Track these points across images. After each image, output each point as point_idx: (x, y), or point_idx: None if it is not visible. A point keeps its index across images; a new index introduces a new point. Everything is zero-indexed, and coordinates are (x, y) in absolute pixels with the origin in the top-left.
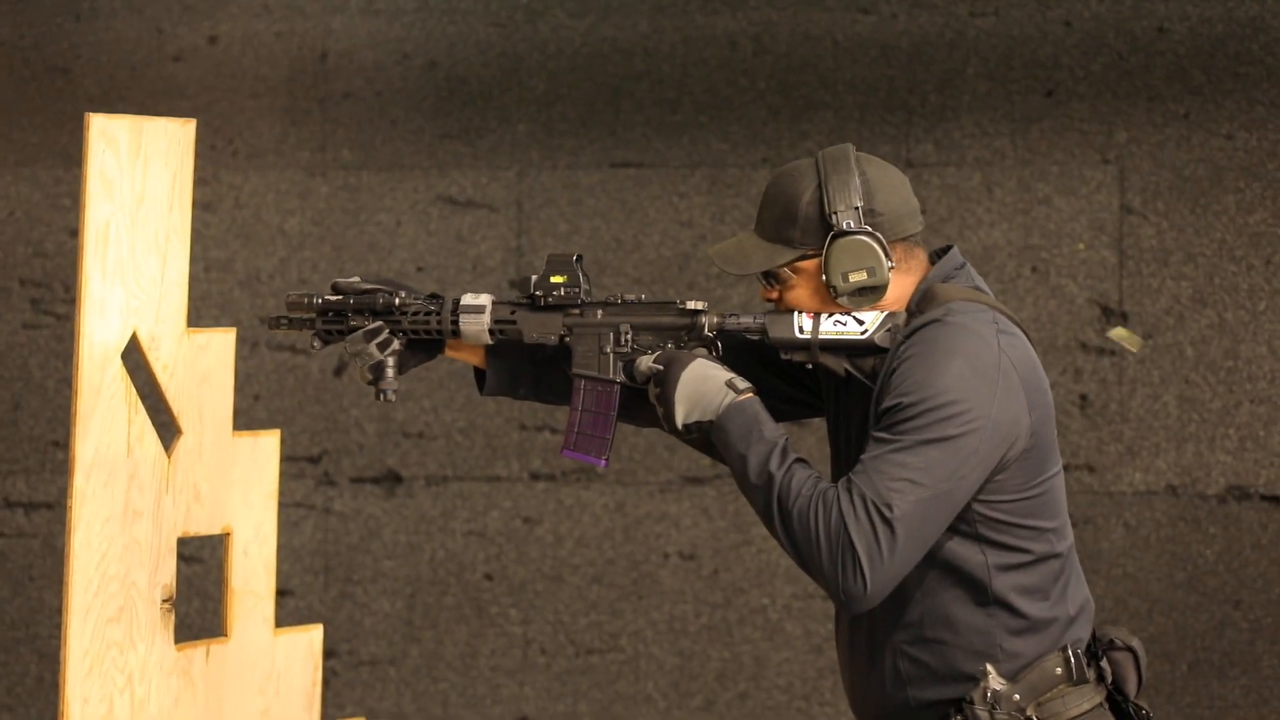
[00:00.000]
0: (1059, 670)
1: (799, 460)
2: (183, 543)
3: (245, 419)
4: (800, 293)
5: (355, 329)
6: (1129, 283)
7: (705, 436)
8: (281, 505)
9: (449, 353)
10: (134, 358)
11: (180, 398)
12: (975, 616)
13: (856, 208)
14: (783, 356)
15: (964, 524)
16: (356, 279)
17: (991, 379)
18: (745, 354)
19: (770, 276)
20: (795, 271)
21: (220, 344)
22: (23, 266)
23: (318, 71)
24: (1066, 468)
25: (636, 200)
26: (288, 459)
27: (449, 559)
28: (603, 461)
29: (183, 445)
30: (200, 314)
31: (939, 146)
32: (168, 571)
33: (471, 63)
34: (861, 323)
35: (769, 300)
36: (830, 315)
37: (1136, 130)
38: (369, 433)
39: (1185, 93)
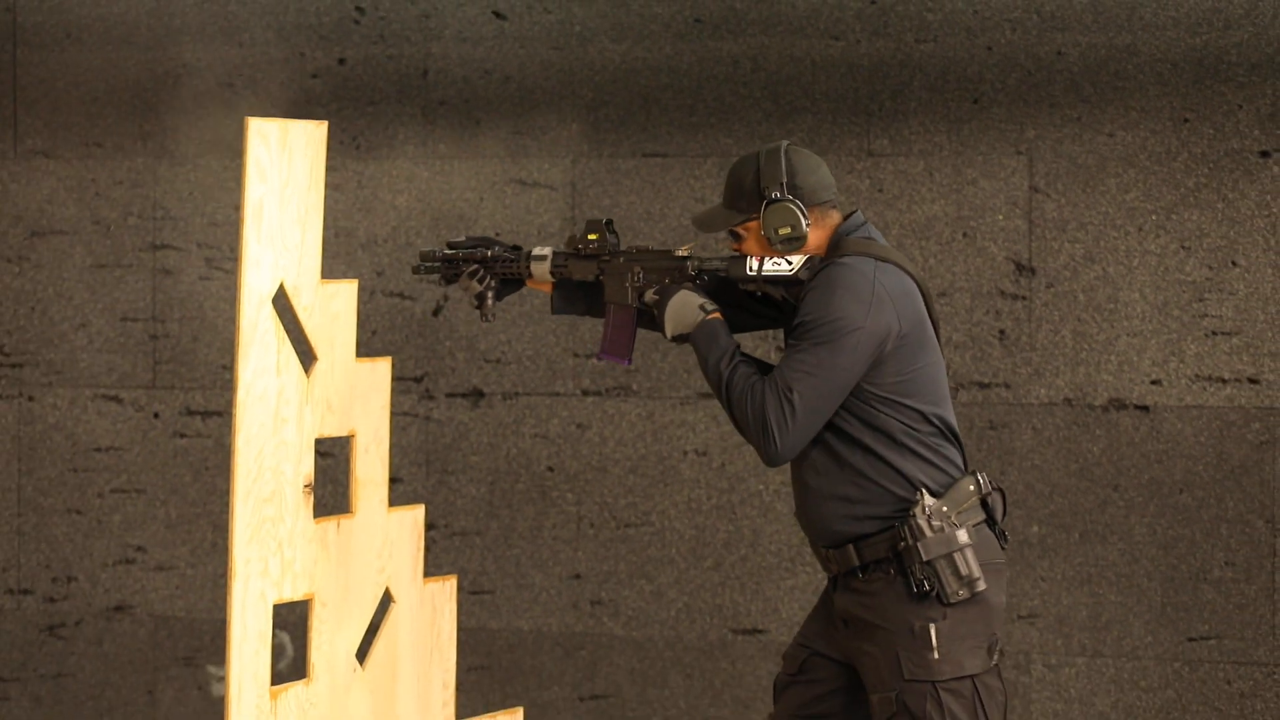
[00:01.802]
0: (972, 488)
1: (743, 360)
2: (319, 442)
3: (365, 349)
4: (751, 244)
5: (462, 273)
6: (1036, 245)
7: (686, 342)
8: (393, 414)
9: (530, 285)
10: (281, 302)
11: (316, 333)
12: (894, 457)
13: (782, 183)
14: (740, 287)
15: (864, 401)
16: (464, 238)
17: (866, 301)
18: (734, 289)
19: (733, 234)
20: (746, 230)
21: (346, 292)
22: (199, 233)
23: (420, 85)
24: (988, 385)
25: (663, 182)
26: (398, 379)
27: (520, 455)
28: (626, 361)
29: (318, 369)
30: (331, 269)
31: (893, 141)
32: (308, 464)
33: (537, 77)
34: (790, 263)
35: (735, 250)
36: (771, 259)
37: (1041, 129)
38: (459, 359)
39: (1078, 101)
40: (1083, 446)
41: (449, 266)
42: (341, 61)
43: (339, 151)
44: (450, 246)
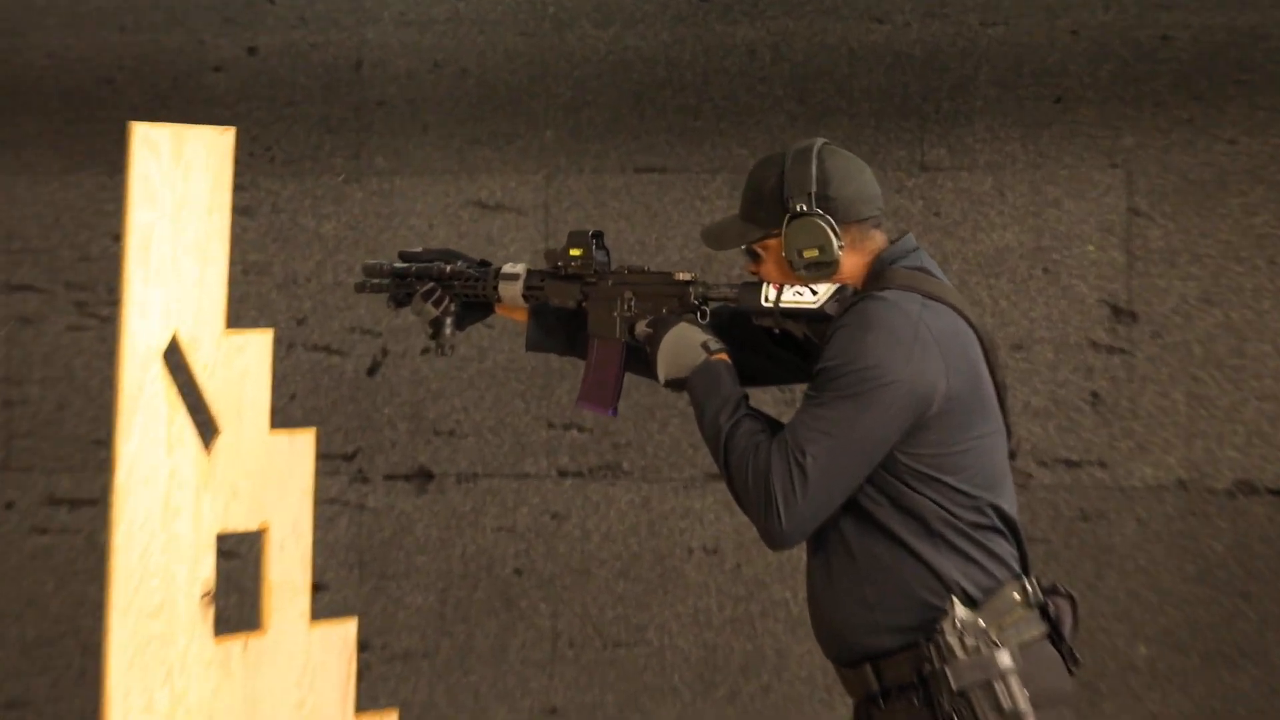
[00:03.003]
0: (1017, 596)
1: (749, 415)
2: (221, 538)
3: (282, 417)
4: (769, 267)
5: (415, 292)
6: (1137, 283)
7: (682, 389)
8: (317, 501)
9: (499, 311)
10: (175, 358)
11: (219, 397)
12: (926, 550)
13: (810, 193)
14: (754, 322)
15: (895, 475)
16: (420, 249)
17: (907, 346)
18: (749, 326)
19: (750, 253)
20: (764, 249)
21: (258, 344)
22: (68, 270)
23: (353, 80)
24: (1078, 463)
25: (660, 204)
26: (323, 456)
27: (479, 554)
28: (610, 411)
29: (222, 443)
30: (239, 315)
31: (952, 151)
32: (207, 566)
33: (501, 70)
34: (815, 293)
35: (752, 273)
36: (792, 287)
37: (1143, 135)
38: (401, 431)
39: (1189, 99)
40: (1202, 543)
41: (399, 284)
42: (252, 51)
43: (249, 165)
44: (402, 259)
